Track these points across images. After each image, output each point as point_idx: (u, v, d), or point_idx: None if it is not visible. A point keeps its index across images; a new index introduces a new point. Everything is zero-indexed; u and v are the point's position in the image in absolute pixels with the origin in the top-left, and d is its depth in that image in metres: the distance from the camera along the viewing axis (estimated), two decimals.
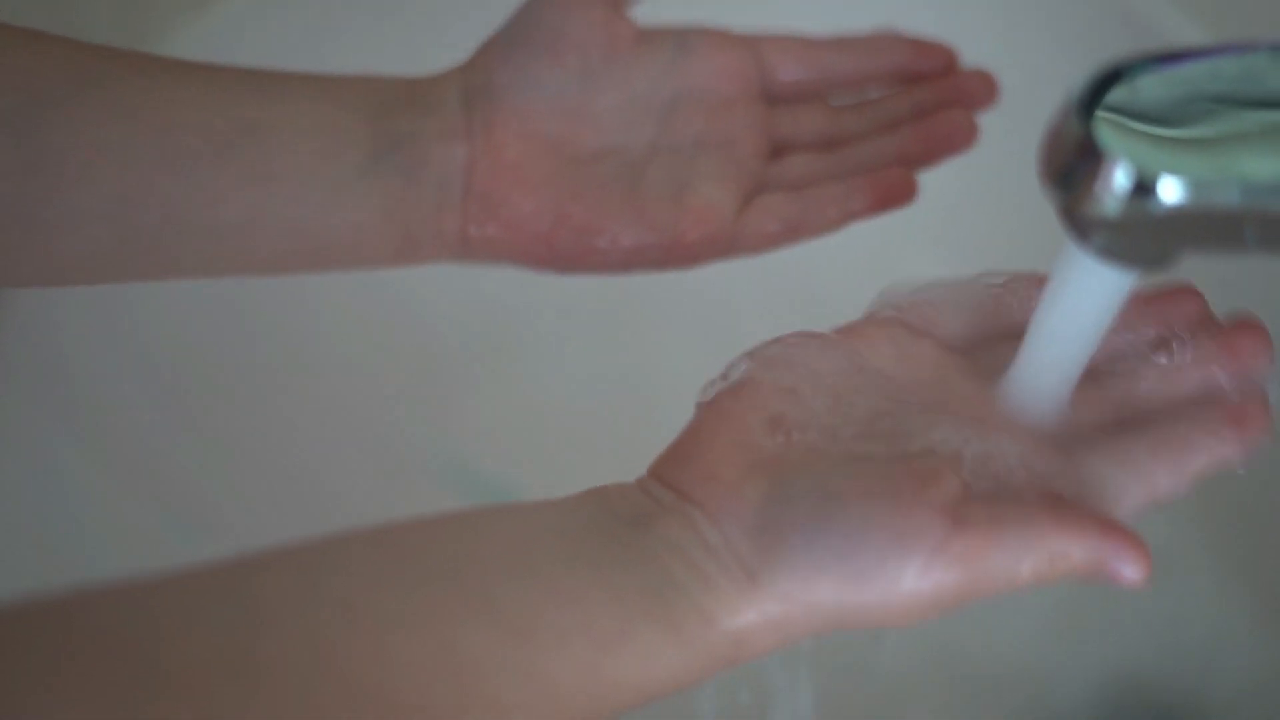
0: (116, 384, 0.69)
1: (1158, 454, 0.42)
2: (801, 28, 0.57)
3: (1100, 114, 0.39)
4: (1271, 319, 0.63)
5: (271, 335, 0.73)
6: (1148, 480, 0.42)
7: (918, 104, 0.56)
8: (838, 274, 0.78)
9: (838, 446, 0.43)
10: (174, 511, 0.68)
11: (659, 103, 0.55)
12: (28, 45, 0.50)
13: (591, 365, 0.77)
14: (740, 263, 0.76)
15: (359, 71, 0.56)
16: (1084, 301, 0.41)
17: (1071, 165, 0.38)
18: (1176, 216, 0.37)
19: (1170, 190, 0.37)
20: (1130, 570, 0.40)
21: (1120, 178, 0.37)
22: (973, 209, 0.75)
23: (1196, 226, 0.38)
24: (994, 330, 0.47)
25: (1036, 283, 0.46)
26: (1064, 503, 0.41)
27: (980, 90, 0.56)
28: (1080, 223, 0.39)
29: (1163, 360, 0.44)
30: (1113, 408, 0.44)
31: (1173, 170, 0.37)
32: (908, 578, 0.39)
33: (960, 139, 0.55)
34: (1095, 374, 0.45)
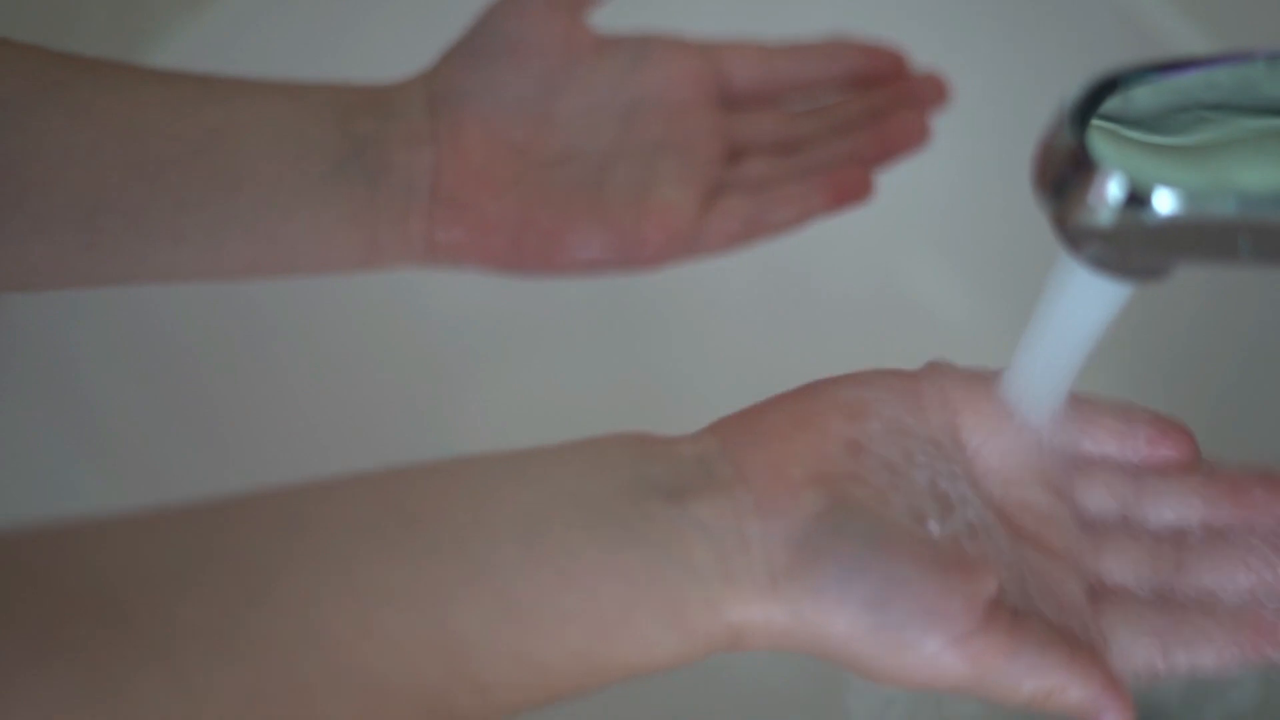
0: (116, 385, 0.69)
1: (1179, 644, 0.42)
2: (767, 32, 0.58)
3: (1095, 123, 0.38)
4: (1271, 323, 0.62)
5: (272, 337, 0.73)
6: (1156, 662, 0.42)
7: (871, 107, 0.57)
8: (837, 275, 0.78)
9: (903, 501, 0.42)
10: None
11: (619, 108, 0.56)
12: None
13: (592, 365, 0.77)
14: (741, 265, 0.76)
15: (358, 72, 0.56)
16: (1077, 312, 0.41)
17: (1064, 175, 0.38)
18: (1170, 227, 0.37)
19: (1164, 201, 0.37)
20: None
21: (1113, 189, 0.37)
22: (971, 213, 0.75)
23: (1191, 238, 0.38)
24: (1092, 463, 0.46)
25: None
26: (1079, 643, 0.41)
27: (931, 93, 0.57)
28: (1073, 233, 0.38)
29: (1220, 549, 0.43)
30: (1151, 566, 0.44)
31: (1167, 181, 0.37)
32: (920, 652, 0.40)
33: (913, 140, 0.56)
34: (1145, 523, 0.44)
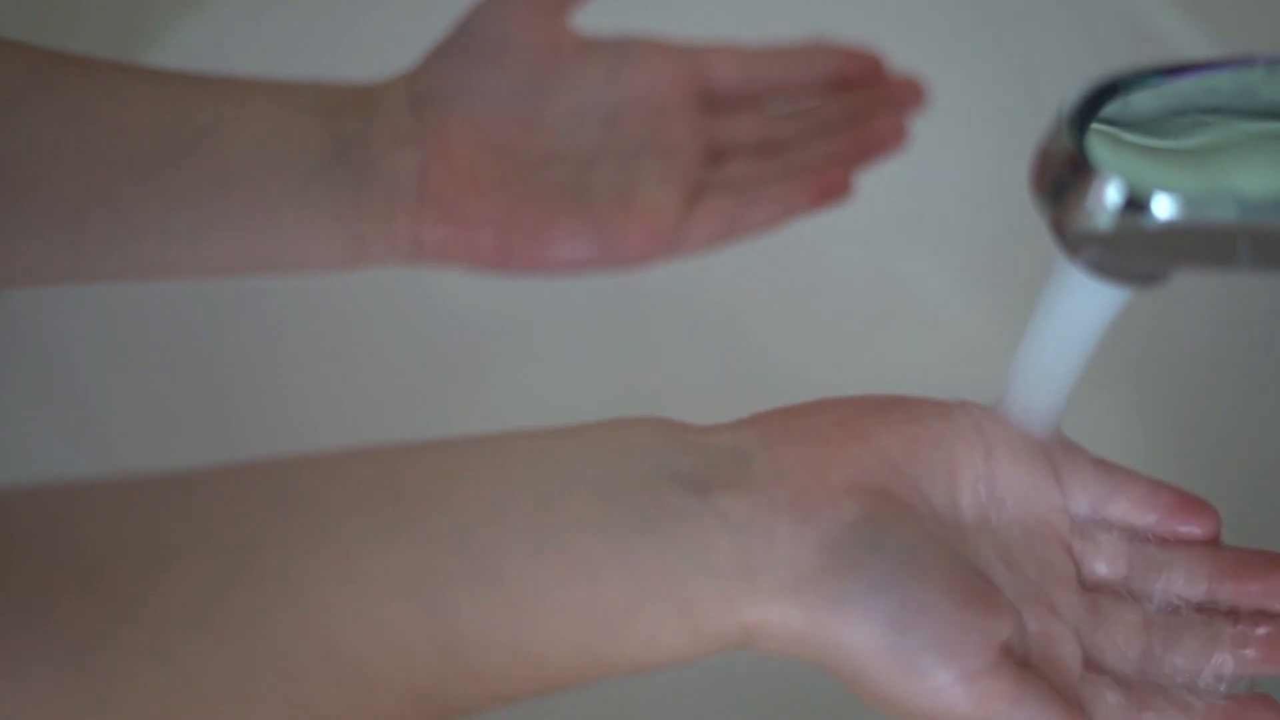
0: (115, 380, 0.69)
1: None
2: (774, 33, 0.59)
3: (1094, 128, 0.38)
4: (1267, 331, 0.62)
5: (272, 332, 0.73)
6: None
7: (850, 109, 0.58)
8: (840, 276, 0.78)
9: (942, 532, 0.42)
10: None
11: (602, 110, 0.57)
12: None
13: (596, 363, 0.77)
14: (744, 264, 0.76)
15: (355, 71, 0.56)
16: (1075, 316, 0.41)
17: (1062, 179, 0.38)
18: (1169, 232, 0.37)
19: (1163, 206, 0.37)
20: None
21: (1112, 193, 0.37)
22: (973, 215, 0.75)
23: (1189, 243, 0.37)
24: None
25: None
26: (1075, 707, 0.41)
27: (909, 95, 0.58)
28: (1071, 238, 0.38)
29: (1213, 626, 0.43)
30: (1141, 644, 0.43)
31: (1165, 186, 0.37)
32: (930, 681, 0.39)
33: (891, 141, 0.57)
34: (1148, 597, 0.44)
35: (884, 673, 0.39)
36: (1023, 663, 0.41)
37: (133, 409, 0.69)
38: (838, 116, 0.58)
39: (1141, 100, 0.39)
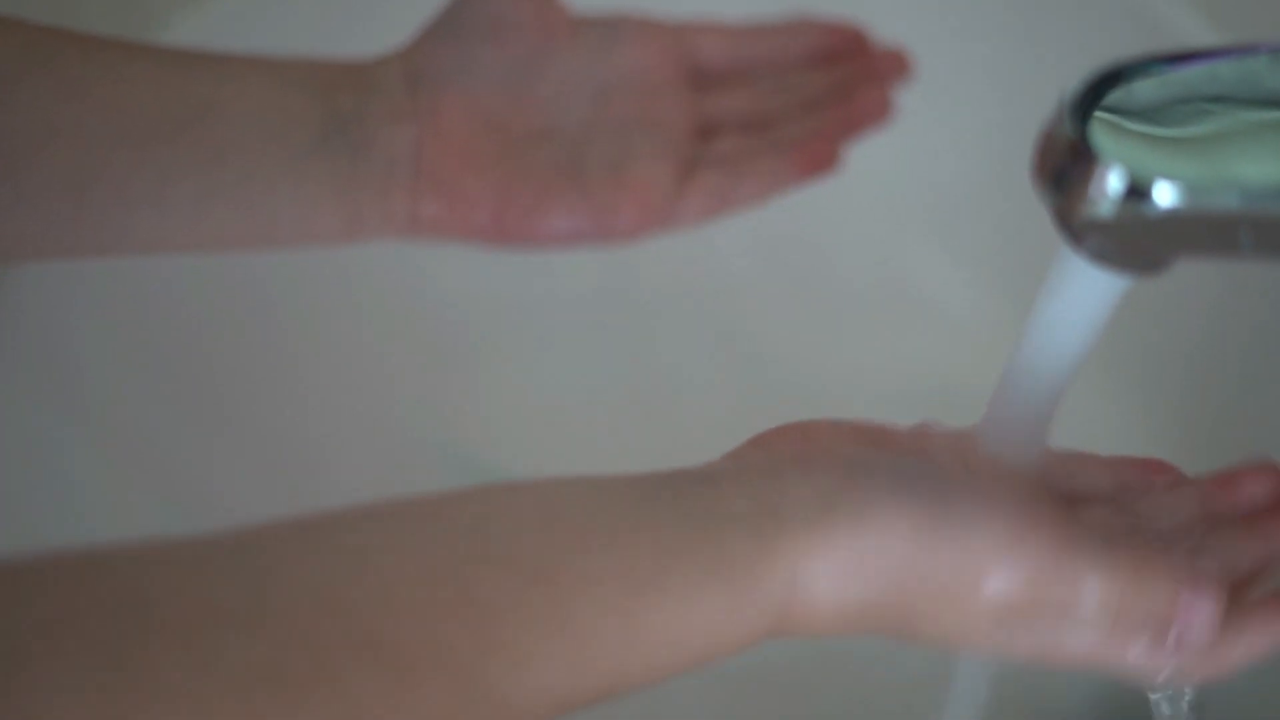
0: (117, 368, 0.69)
1: None
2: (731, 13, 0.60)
3: (1097, 116, 0.38)
4: (1270, 324, 0.62)
5: (274, 320, 0.73)
6: None
7: (836, 83, 0.59)
8: (842, 267, 0.78)
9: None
10: (175, 497, 0.68)
11: (594, 87, 0.58)
12: None
13: (596, 354, 0.77)
14: (746, 256, 0.76)
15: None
16: (1077, 304, 0.41)
17: (1065, 168, 0.38)
18: (1171, 220, 0.37)
19: (1165, 194, 0.37)
20: None
21: (1114, 181, 0.37)
22: (976, 204, 0.75)
23: (1191, 230, 0.38)
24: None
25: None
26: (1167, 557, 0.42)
27: (893, 67, 0.59)
28: (1073, 226, 0.38)
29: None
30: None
31: (1167, 174, 0.37)
32: (982, 539, 0.39)
33: (876, 114, 0.58)
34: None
35: (937, 554, 0.39)
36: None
37: (129, 390, 0.69)
38: (824, 90, 0.59)
39: (1144, 88, 0.39)
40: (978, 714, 0.53)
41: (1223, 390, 0.68)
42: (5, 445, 0.63)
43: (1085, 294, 0.41)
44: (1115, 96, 0.39)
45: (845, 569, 0.39)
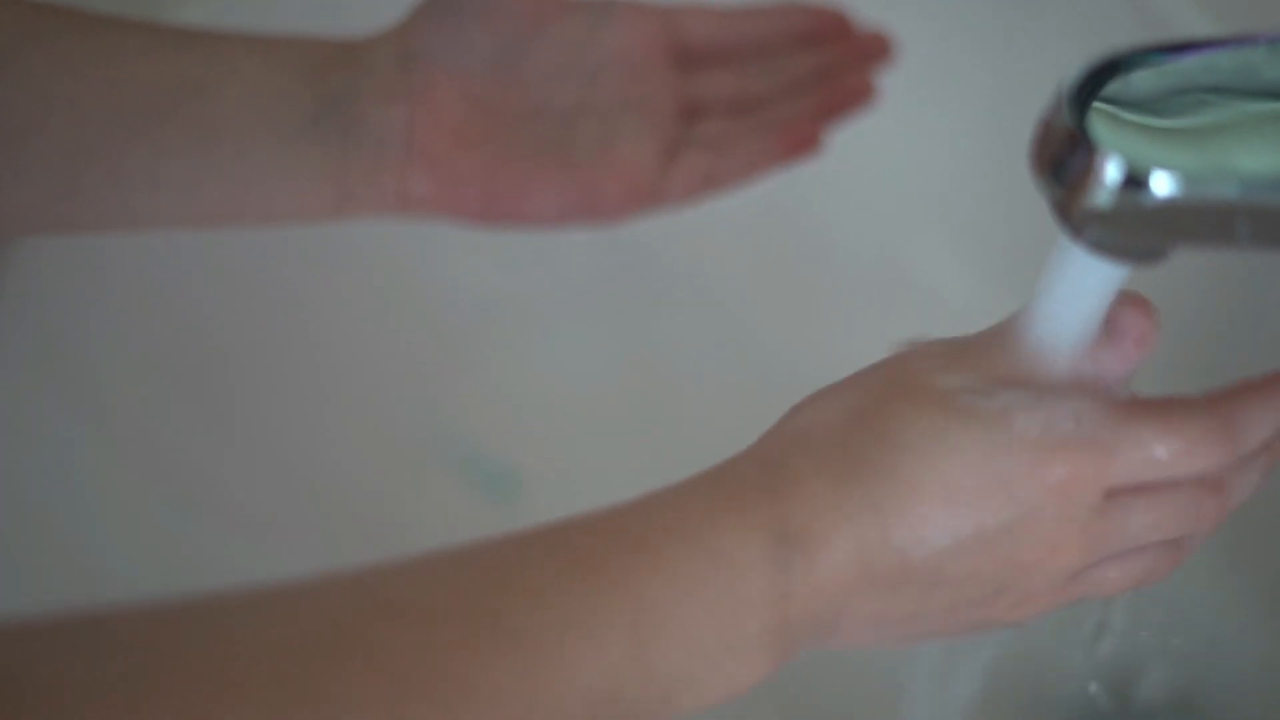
0: (121, 365, 0.69)
1: None
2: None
3: (1095, 106, 0.38)
4: (1267, 315, 0.62)
5: (277, 316, 0.73)
6: None
7: (820, 66, 0.60)
8: (842, 255, 0.78)
9: None
10: (178, 492, 0.68)
11: (583, 68, 0.58)
12: None
13: (596, 348, 0.77)
14: (747, 250, 0.76)
15: None
16: (1075, 294, 0.41)
17: (1063, 158, 0.38)
18: (1168, 210, 0.37)
19: (1162, 184, 0.37)
20: None
21: (1112, 171, 0.37)
22: (976, 193, 0.75)
23: (1189, 220, 0.38)
24: None
25: None
26: None
27: (877, 49, 0.60)
28: (1071, 216, 0.38)
29: None
30: None
31: (1165, 164, 0.37)
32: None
33: (859, 97, 0.59)
34: None
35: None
36: None
37: (138, 390, 0.69)
38: (809, 73, 0.60)
39: (1142, 79, 0.39)
40: (972, 706, 0.53)
41: (1221, 379, 0.68)
42: (9, 442, 0.63)
43: (1083, 283, 0.41)
44: (1113, 87, 0.39)
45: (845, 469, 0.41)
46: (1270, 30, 0.40)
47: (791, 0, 0.61)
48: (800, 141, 0.59)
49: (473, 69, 0.56)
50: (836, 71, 0.60)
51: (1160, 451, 0.41)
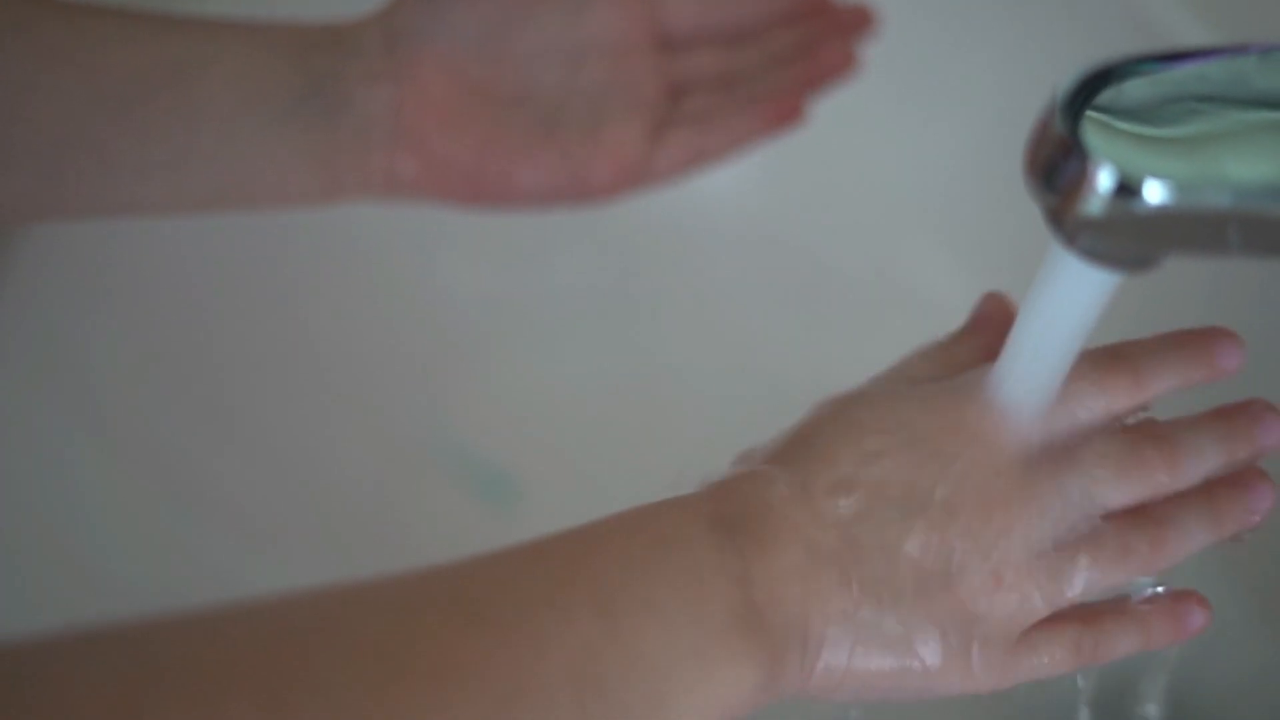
0: (120, 365, 0.69)
1: None
2: None
3: (1088, 115, 0.38)
4: (1265, 319, 0.62)
5: (277, 318, 0.73)
6: None
7: (801, 40, 0.61)
8: (838, 261, 0.78)
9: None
10: (177, 492, 0.68)
11: (568, 50, 0.59)
12: None
13: (595, 354, 0.77)
14: (745, 253, 0.76)
15: None
16: (1067, 301, 0.41)
17: (1056, 166, 0.38)
18: (1160, 218, 0.37)
19: (1154, 192, 0.37)
20: None
21: (1104, 179, 0.37)
22: (971, 200, 0.75)
23: (1181, 228, 0.38)
24: None
25: None
26: None
27: (856, 22, 0.61)
28: (1064, 223, 0.39)
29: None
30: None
31: (1157, 172, 0.37)
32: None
33: (840, 68, 0.60)
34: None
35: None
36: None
37: (132, 384, 0.70)
38: (790, 48, 0.61)
39: (1135, 88, 0.39)
40: (967, 705, 0.53)
41: (1213, 387, 0.68)
42: (7, 442, 0.63)
43: (1076, 291, 0.41)
44: (1106, 96, 0.39)
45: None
46: (1262, 40, 0.41)
47: None
48: (784, 114, 0.59)
49: (459, 50, 0.57)
50: (818, 44, 0.61)
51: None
